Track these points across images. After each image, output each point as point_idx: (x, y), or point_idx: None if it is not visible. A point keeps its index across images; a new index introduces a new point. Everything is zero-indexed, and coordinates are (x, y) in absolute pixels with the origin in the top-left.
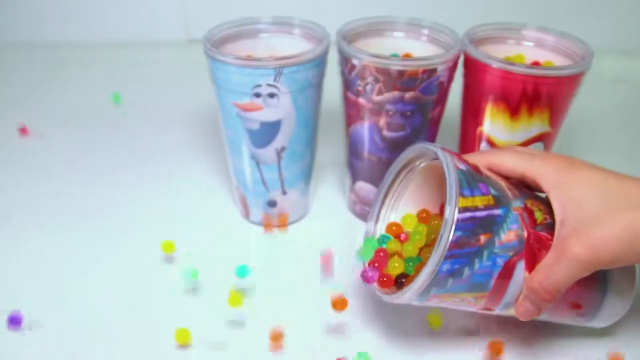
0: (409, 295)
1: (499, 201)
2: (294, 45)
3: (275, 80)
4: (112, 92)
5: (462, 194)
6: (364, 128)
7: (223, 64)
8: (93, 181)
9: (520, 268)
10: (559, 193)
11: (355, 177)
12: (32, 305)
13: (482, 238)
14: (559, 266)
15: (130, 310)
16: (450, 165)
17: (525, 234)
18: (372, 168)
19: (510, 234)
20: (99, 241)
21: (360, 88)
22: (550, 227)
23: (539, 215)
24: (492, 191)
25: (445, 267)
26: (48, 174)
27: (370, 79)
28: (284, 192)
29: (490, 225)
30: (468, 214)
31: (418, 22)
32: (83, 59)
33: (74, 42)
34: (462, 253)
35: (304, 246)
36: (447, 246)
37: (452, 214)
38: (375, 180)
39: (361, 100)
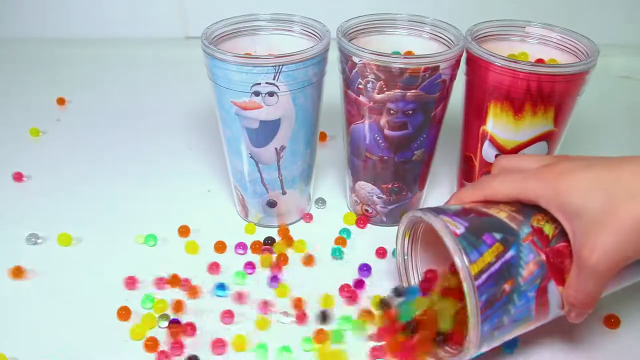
0: (469, 356)
1: (507, 242)
2: (294, 43)
3: (274, 78)
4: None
5: (471, 261)
6: (365, 127)
7: (221, 62)
8: (90, 181)
9: (552, 286)
10: (558, 207)
11: (356, 176)
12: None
13: (507, 287)
14: (583, 279)
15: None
16: (450, 238)
17: (543, 256)
18: (373, 167)
19: (529, 266)
20: (96, 241)
21: (361, 86)
22: (564, 233)
23: (548, 229)
24: (497, 236)
25: (486, 328)
26: (43, 173)
27: (371, 77)
28: (284, 192)
29: (509, 270)
30: (484, 276)
31: (420, 20)
32: (79, 55)
33: (70, 38)
34: (494, 309)
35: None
36: (479, 316)
37: (470, 287)
38: (377, 180)
39: (362, 98)
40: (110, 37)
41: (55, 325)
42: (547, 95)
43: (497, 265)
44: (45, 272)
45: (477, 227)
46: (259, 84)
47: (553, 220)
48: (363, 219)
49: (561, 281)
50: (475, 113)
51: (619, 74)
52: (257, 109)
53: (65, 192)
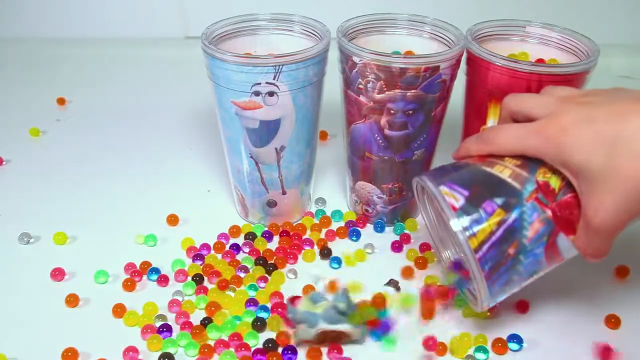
0: (485, 307)
1: (509, 205)
2: (294, 43)
3: (274, 78)
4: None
5: (471, 235)
6: (365, 127)
7: (221, 62)
8: (89, 180)
9: (562, 238)
10: (562, 164)
11: (356, 176)
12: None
13: (511, 250)
14: (591, 236)
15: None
16: (449, 213)
17: (549, 213)
18: (373, 167)
19: (534, 226)
20: (96, 241)
21: (361, 86)
22: (571, 183)
23: (555, 182)
24: (499, 201)
25: (495, 289)
26: (43, 173)
27: (371, 77)
28: (284, 192)
29: (512, 234)
30: (486, 246)
31: (420, 19)
32: (79, 55)
33: (70, 38)
34: (500, 273)
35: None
36: (485, 282)
37: (473, 261)
38: (377, 180)
39: (362, 98)
40: (110, 37)
41: (55, 325)
42: None
43: (499, 233)
44: (45, 270)
45: (478, 195)
46: (259, 83)
47: (560, 171)
48: (363, 219)
49: (572, 231)
50: (475, 113)
51: (619, 74)
52: (257, 108)
53: (65, 192)
